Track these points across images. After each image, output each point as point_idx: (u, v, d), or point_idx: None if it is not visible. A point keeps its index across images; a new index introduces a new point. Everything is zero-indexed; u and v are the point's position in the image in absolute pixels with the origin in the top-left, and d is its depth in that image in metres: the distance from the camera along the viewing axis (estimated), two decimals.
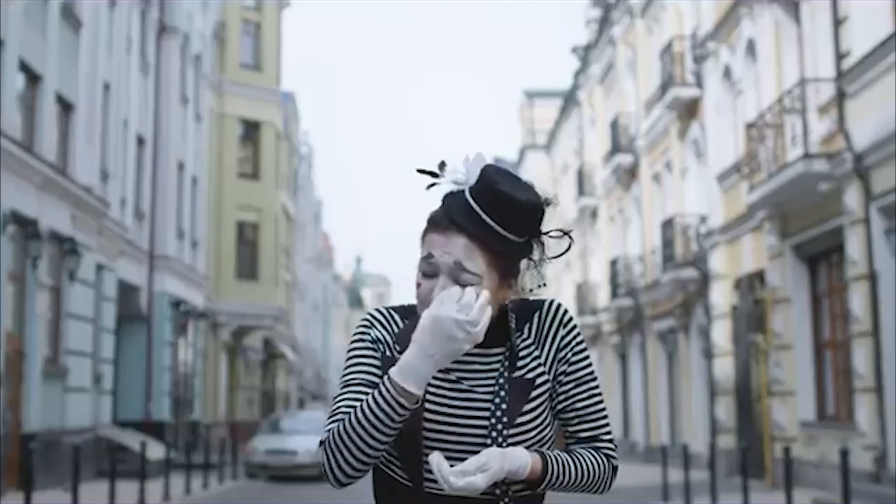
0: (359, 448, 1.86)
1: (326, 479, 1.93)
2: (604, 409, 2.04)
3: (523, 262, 1.99)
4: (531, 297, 2.04)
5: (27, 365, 16.00)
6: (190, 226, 28.38)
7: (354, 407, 1.89)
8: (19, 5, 15.69)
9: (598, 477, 1.99)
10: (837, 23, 14.55)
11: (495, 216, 1.91)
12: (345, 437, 1.87)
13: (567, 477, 1.94)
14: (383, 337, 2.02)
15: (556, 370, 2.00)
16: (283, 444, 22.45)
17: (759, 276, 18.27)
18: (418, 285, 1.96)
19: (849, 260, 14.35)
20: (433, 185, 1.99)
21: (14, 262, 15.68)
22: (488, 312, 1.84)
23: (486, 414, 1.92)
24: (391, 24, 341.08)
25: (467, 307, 1.82)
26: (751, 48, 18.46)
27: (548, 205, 1.98)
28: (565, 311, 2.04)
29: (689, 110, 22.91)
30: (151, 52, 25.44)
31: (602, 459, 2.00)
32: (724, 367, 20.27)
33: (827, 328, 16.27)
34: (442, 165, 2.00)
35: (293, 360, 47.99)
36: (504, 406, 1.92)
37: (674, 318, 24.40)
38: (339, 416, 1.92)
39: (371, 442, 1.85)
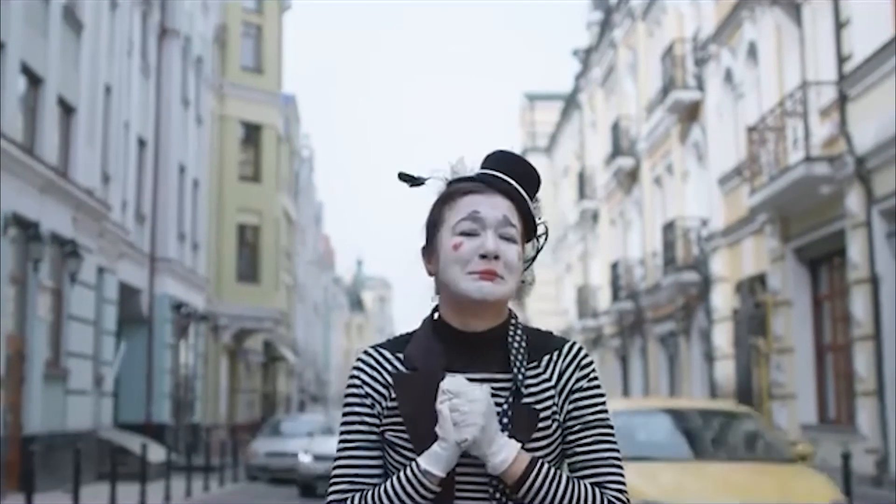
0: None
1: None
2: (615, 457, 1.91)
3: (526, 251, 1.98)
4: (555, 333, 2.01)
5: (28, 367, 16.00)
6: (191, 228, 28.38)
7: (356, 474, 1.90)
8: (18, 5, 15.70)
9: None
10: (839, 26, 14.54)
11: (518, 179, 1.94)
12: None
13: (552, 493, 1.83)
14: (373, 391, 1.94)
15: (567, 411, 1.92)
16: (284, 446, 22.48)
17: (760, 280, 18.26)
18: (456, 247, 1.88)
19: (850, 263, 14.33)
20: (423, 181, 1.98)
21: (15, 264, 15.68)
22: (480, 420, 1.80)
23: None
24: (392, 26, 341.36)
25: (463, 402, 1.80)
26: (752, 51, 18.46)
27: (538, 203, 2.02)
28: (585, 355, 1.97)
29: (690, 113, 22.91)
30: (153, 55, 25.45)
31: (601, 499, 1.86)
32: (725, 371, 20.25)
33: (828, 331, 16.25)
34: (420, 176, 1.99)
35: (294, 363, 47.99)
36: (506, 433, 1.85)
37: (675, 321, 24.39)
38: (341, 486, 1.91)
39: None
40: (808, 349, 16.41)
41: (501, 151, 1.98)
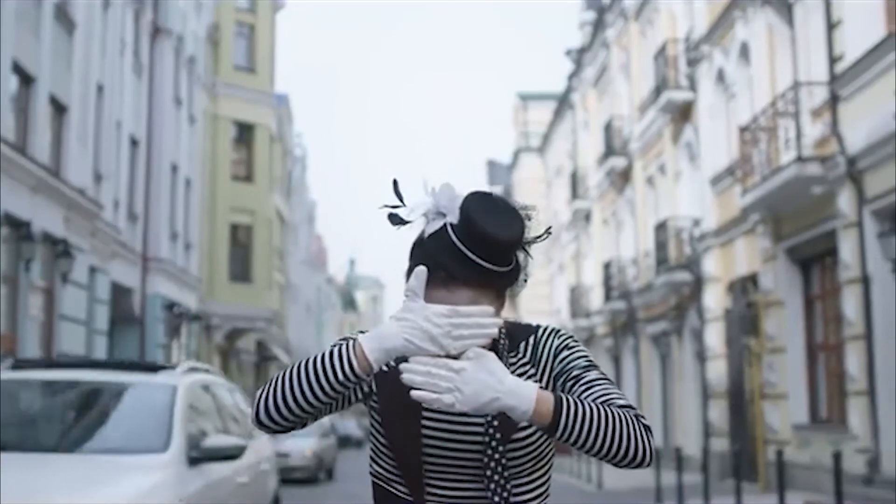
0: (292, 389, 1.84)
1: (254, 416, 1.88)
2: (614, 387, 1.91)
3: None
4: (532, 323, 2.06)
5: None
6: (183, 228, 28.34)
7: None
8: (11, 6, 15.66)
9: (626, 428, 1.79)
10: (831, 26, 14.57)
11: (488, 258, 1.86)
12: (288, 374, 1.86)
13: (587, 422, 1.76)
14: None
15: (559, 371, 1.95)
16: (275, 445, 21.98)
17: (752, 279, 18.29)
18: None
19: (842, 263, 14.37)
20: (401, 222, 1.92)
21: (7, 264, 15.64)
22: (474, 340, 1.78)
23: (481, 430, 1.90)
24: (386, 26, 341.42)
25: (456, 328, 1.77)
26: (744, 51, 18.49)
27: (529, 219, 1.93)
28: (560, 330, 2.02)
29: (682, 113, 22.94)
30: (145, 54, 25.40)
31: (624, 413, 1.81)
32: (718, 370, 20.29)
33: (820, 331, 16.29)
34: (395, 184, 1.93)
35: (286, 363, 47.91)
36: (496, 423, 1.89)
37: (667, 320, 24.42)
38: None
39: (306, 389, 1.82)
40: (799, 349, 16.45)
41: (473, 218, 1.85)
